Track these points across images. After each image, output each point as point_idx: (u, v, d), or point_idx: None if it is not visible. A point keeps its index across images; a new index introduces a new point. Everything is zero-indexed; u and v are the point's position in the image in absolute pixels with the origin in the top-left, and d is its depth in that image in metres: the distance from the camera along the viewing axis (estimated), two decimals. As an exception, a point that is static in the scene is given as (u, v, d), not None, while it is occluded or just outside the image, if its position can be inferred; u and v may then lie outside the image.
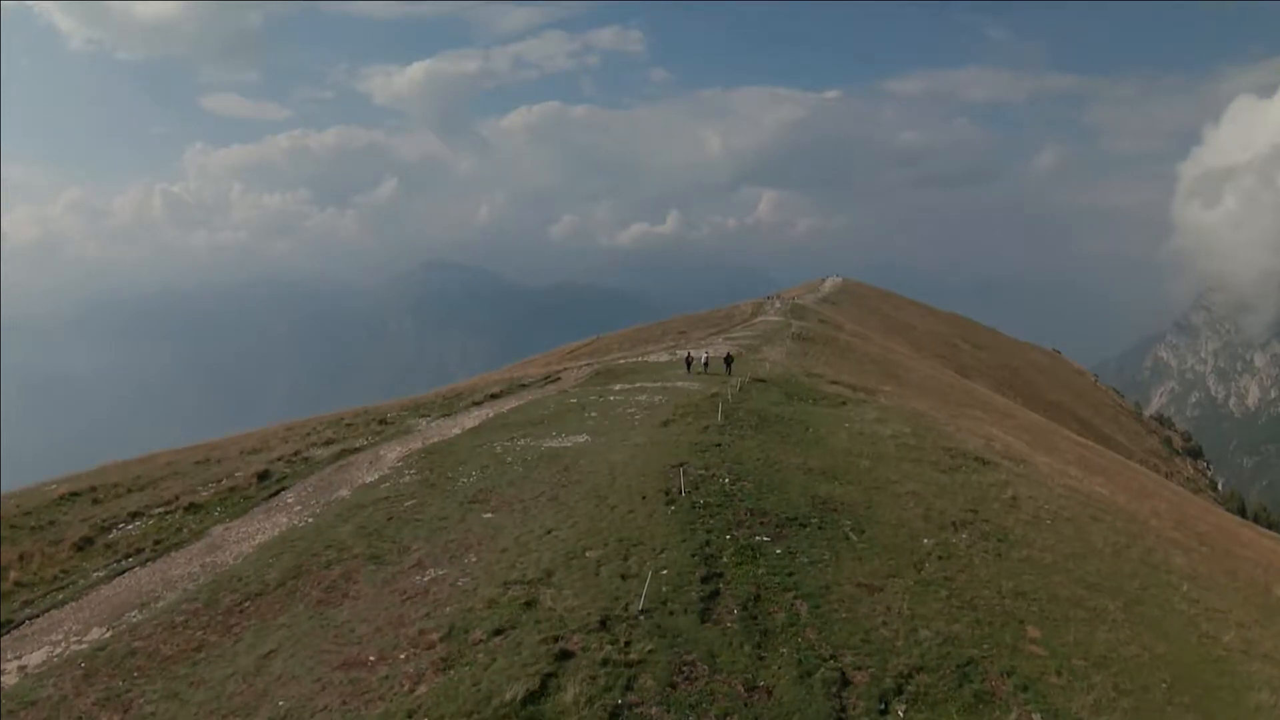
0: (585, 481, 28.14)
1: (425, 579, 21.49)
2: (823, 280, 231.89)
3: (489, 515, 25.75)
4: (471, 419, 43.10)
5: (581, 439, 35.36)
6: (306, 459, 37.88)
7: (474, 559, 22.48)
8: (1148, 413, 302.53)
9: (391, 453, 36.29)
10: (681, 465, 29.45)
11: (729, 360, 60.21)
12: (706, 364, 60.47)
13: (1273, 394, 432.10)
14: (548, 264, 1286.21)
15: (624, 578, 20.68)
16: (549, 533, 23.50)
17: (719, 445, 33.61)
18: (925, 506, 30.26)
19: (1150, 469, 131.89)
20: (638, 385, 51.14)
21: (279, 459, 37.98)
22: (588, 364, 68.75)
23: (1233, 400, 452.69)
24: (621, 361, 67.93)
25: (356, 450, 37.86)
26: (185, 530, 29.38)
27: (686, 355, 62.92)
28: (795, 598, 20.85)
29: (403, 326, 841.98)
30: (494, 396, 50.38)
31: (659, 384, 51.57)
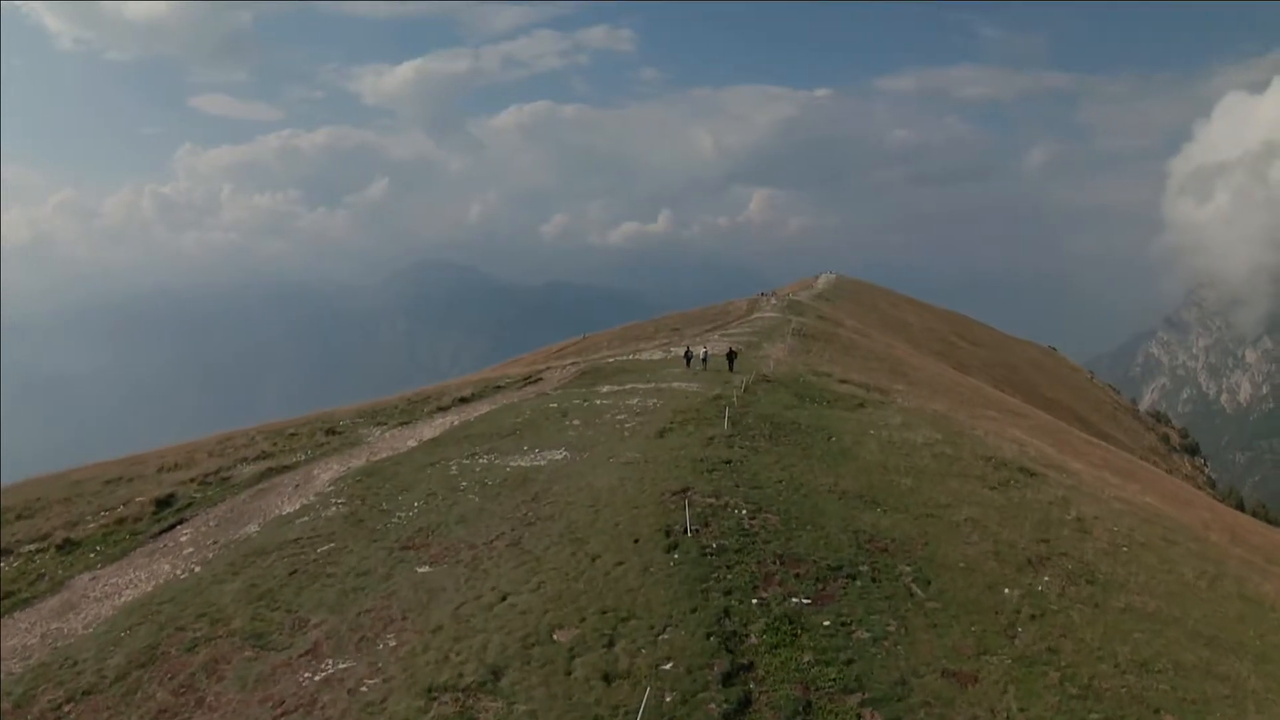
0: (559, 517, 21.21)
1: (317, 678, 14.54)
2: (817, 277, 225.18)
3: (425, 569, 18.72)
4: (432, 428, 36.13)
5: (559, 455, 28.46)
6: (226, 479, 30.87)
7: (393, 643, 15.49)
8: (1140, 409, 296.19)
9: (326, 472, 29.26)
10: (685, 492, 22.57)
11: (731, 356, 54.36)
12: (706, 360, 54.94)
13: (1264, 390, 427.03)
14: (540, 263, 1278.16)
15: (608, 679, 13.86)
16: (503, 600, 16.57)
17: (729, 462, 26.78)
18: (991, 539, 23.79)
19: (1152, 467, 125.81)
20: (628, 386, 44.35)
21: (194, 479, 30.94)
22: (574, 363, 61.93)
23: (1224, 396, 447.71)
24: (610, 360, 61.15)
25: (286, 469, 30.85)
26: (46, 579, 22.43)
27: (685, 350, 57.32)
28: (863, 704, 14.02)
29: (395, 326, 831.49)
30: (463, 400, 43.37)
31: (652, 384, 44.81)
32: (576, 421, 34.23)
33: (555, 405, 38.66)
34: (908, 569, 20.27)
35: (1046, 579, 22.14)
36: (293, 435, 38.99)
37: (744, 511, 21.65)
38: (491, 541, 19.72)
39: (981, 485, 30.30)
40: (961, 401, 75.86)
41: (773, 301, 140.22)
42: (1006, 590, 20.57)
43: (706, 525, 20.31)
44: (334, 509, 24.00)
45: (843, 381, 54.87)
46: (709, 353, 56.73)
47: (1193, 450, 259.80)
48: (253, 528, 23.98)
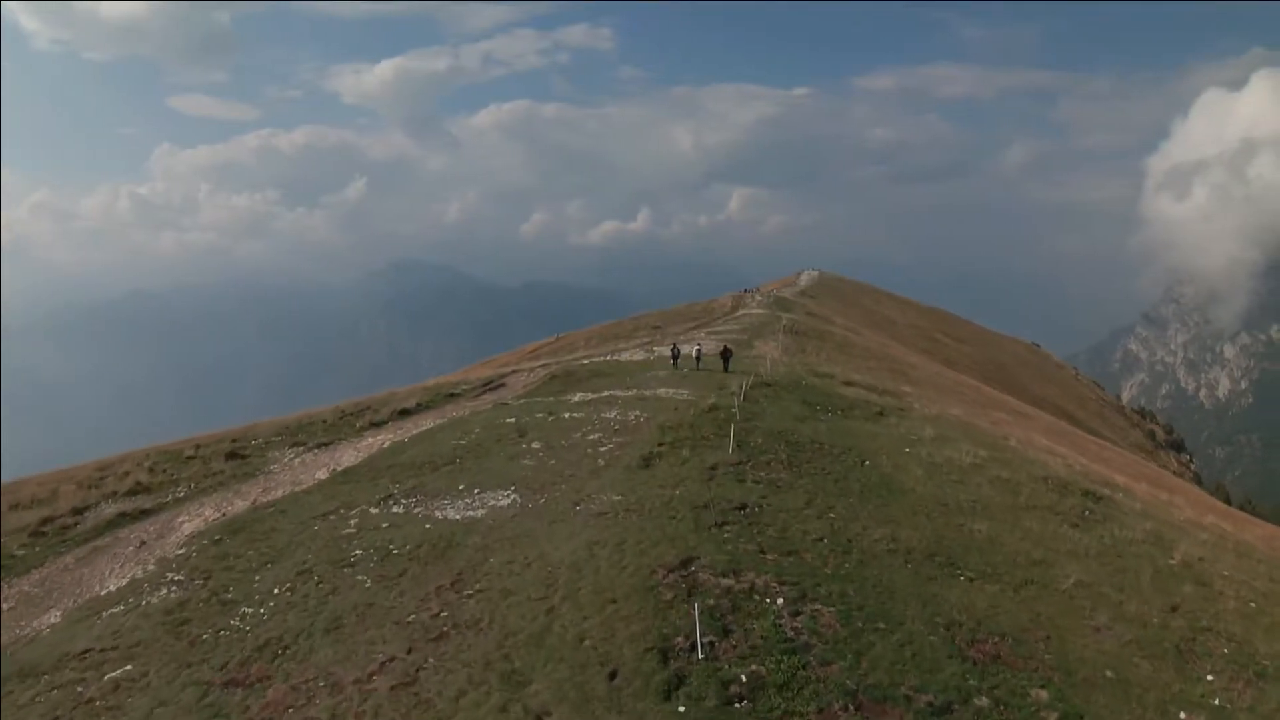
0: (488, 623, 13.37)
1: None
2: (799, 274, 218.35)
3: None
4: (354, 452, 28.21)
5: (504, 500, 20.60)
6: (72, 525, 22.97)
7: None
8: (1125, 405, 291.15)
9: (191, 522, 21.39)
10: (688, 566, 14.95)
11: (726, 355, 47.93)
12: (699, 359, 49.01)
13: (1243, 385, 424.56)
14: (519, 263, 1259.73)
15: None
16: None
17: (744, 508, 19.22)
18: (1119, 615, 17.37)
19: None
20: (605, 394, 36.68)
21: (32, 526, 23.00)
22: (544, 364, 54.28)
23: (1203, 392, 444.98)
24: (585, 362, 53.64)
25: (147, 513, 22.91)
26: None
27: (672, 349, 50.90)
28: None
29: (374, 326, 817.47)
30: (404, 413, 35.44)
31: (634, 391, 37.27)
32: (536, 444, 26.51)
33: (512, 420, 30.86)
34: (1042, 692, 12.72)
35: (1211, 679, 15.44)
36: (189, 459, 31.02)
37: (780, 601, 13.99)
38: (369, 678, 11.76)
39: (1061, 522, 23.12)
40: (972, 404, 68.84)
41: (757, 298, 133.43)
42: (1184, 716, 13.34)
43: (726, 635, 12.66)
44: (163, 592, 16.03)
45: (848, 384, 48.08)
46: (702, 351, 50.27)
47: (1178, 446, 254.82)
48: (53, 616, 16.10)
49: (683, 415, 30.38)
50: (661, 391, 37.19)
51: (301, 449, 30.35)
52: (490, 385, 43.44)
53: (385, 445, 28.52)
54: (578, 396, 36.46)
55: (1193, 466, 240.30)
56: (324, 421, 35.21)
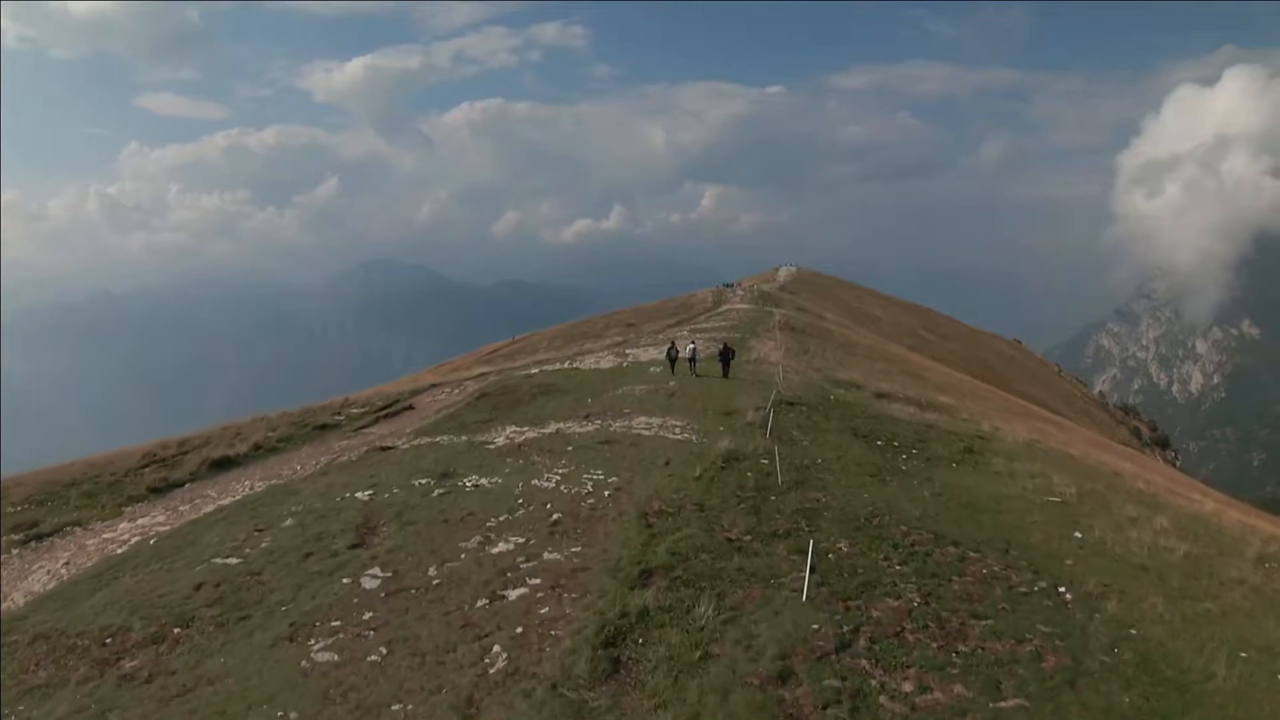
0: None
1: None
2: (777, 269, 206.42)
3: None
4: (45, 575, 14.19)
5: None
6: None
7: None
8: (1109, 403, 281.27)
9: None
10: None
11: (726, 355, 39.05)
12: (696, 361, 39.39)
13: (1215, 380, 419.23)
14: (491, 261, 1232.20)
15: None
16: None
17: None
18: None
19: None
20: (550, 430, 23.58)
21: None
22: (481, 375, 41.40)
23: (1175, 387, 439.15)
24: (535, 371, 41.22)
25: None
26: None
27: (670, 348, 41.58)
28: None
29: (345, 327, 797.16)
30: (220, 465, 21.59)
31: (596, 424, 24.37)
32: (372, 576, 12.32)
33: (365, 495, 16.88)
34: None
35: None
36: None
37: None
38: None
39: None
40: (1016, 415, 56.47)
41: (739, 293, 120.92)
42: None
43: None
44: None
45: (881, 396, 36.39)
46: (698, 350, 40.51)
47: (1164, 443, 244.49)
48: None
49: (682, 479, 17.17)
50: (640, 424, 24.11)
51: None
52: (390, 409, 30.13)
53: (115, 552, 14.69)
54: (506, 434, 23.18)
55: (1178, 464, 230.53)
56: (94, 480, 21.31)
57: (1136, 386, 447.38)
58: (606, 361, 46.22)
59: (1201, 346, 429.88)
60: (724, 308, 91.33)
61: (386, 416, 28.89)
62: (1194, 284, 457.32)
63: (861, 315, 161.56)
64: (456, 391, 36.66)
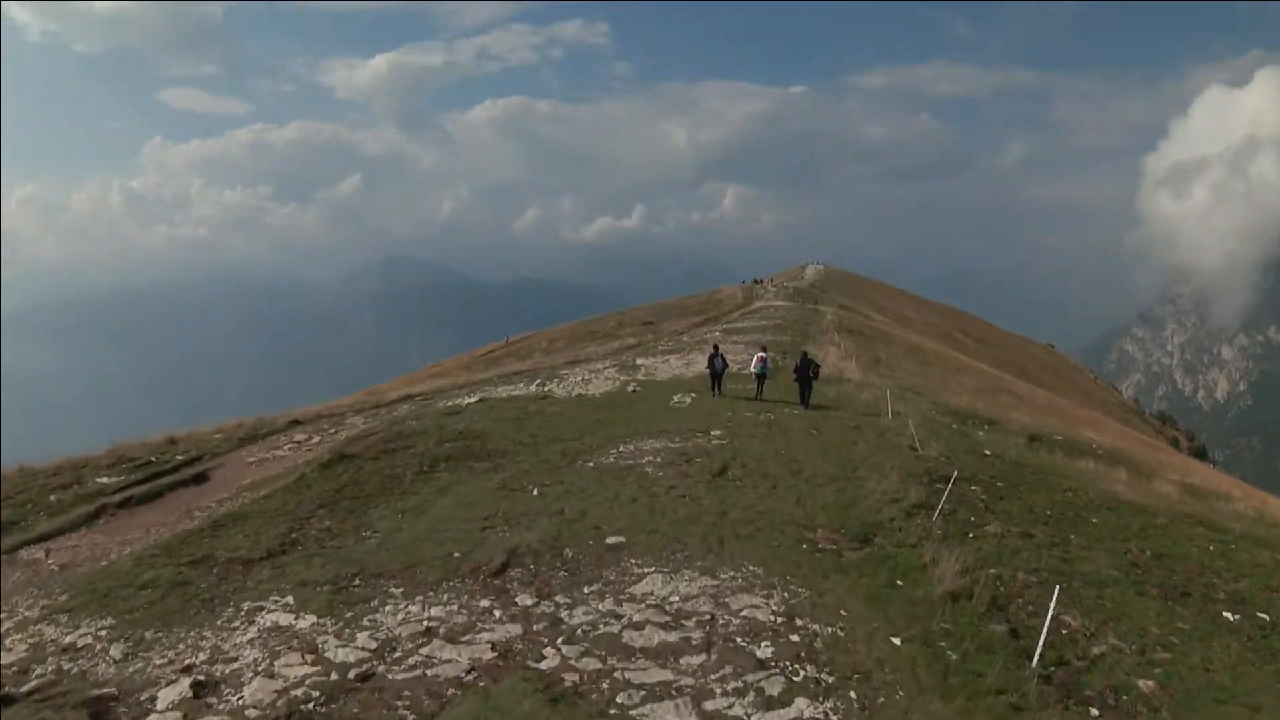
0: None
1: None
2: (804, 267, 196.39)
3: None
4: None
5: None
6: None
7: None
8: (1146, 411, 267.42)
9: None
10: None
11: (806, 372, 26.84)
12: (763, 379, 28.29)
13: (1241, 387, 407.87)
14: (511, 259, 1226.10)
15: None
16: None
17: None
18: None
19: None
20: (389, 627, 15.48)
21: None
22: (376, 409, 31.40)
23: (1201, 394, 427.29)
24: (473, 401, 30.75)
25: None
26: None
27: (711, 355, 29.59)
28: None
29: (363, 322, 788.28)
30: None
31: (524, 602, 13.47)
32: None
33: None
34: None
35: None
36: None
37: None
38: None
39: None
40: (1146, 449, 44.22)
41: (770, 289, 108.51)
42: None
43: None
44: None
45: (1035, 439, 27.42)
46: (768, 363, 28.76)
47: (1201, 454, 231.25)
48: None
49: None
50: (643, 607, 12.62)
51: None
52: (167, 476, 18.58)
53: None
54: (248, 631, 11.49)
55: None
56: None
57: (1160, 393, 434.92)
58: (603, 380, 34.83)
59: (1228, 353, 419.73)
60: (758, 305, 79.11)
61: (135, 502, 16.79)
62: (1220, 288, 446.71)
63: (894, 317, 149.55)
64: (316, 439, 25.22)
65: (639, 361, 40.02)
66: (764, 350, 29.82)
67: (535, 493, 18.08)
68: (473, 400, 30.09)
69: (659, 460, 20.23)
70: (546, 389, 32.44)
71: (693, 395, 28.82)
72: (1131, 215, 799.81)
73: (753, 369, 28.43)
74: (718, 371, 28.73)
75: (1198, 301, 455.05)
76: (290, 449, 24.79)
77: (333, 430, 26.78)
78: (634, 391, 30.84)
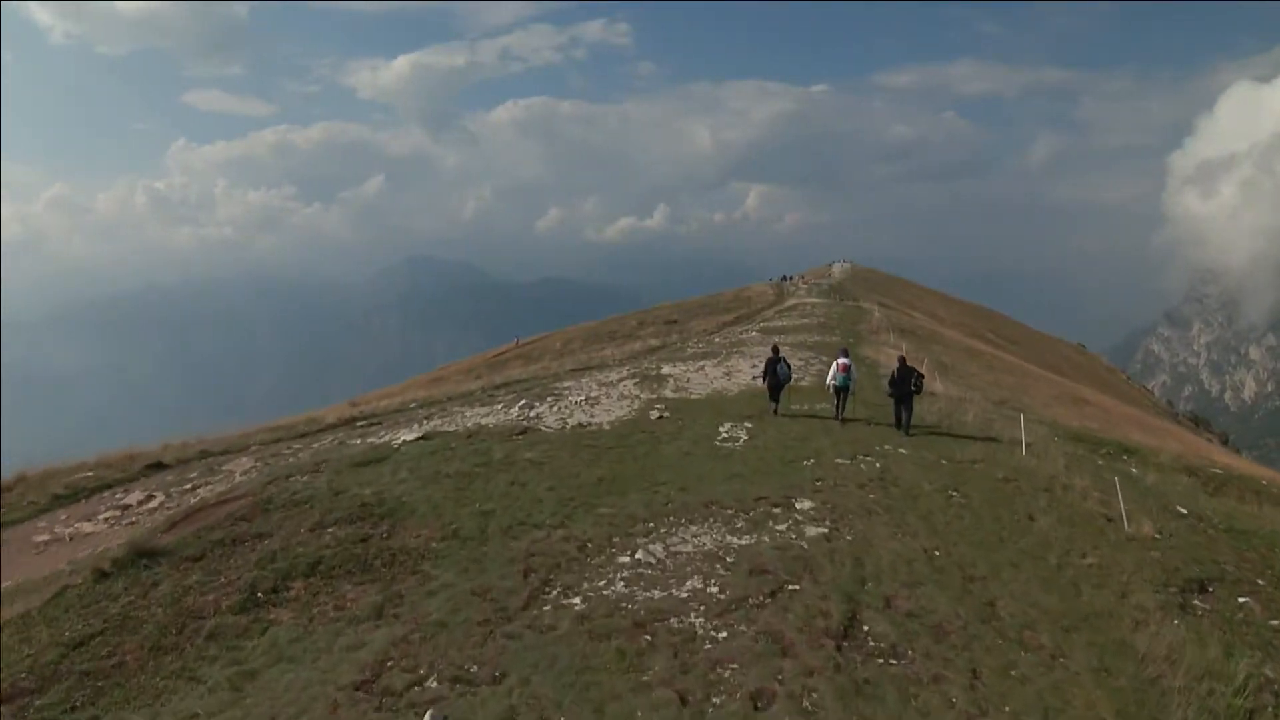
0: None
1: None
2: (831, 265, 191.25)
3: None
4: None
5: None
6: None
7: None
8: (1177, 413, 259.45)
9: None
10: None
11: (907, 381, 21.43)
12: (846, 392, 22.38)
13: (1269, 388, 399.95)
14: (534, 258, 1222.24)
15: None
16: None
17: None
18: None
19: None
20: None
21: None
22: (342, 422, 26.48)
23: (1228, 394, 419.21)
24: (403, 443, 21.31)
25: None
26: None
27: (770, 364, 23.34)
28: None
29: (387, 321, 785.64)
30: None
31: None
32: None
33: None
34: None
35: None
36: None
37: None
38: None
39: None
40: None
41: (803, 286, 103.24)
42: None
43: None
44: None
45: (1129, 452, 23.47)
46: (853, 373, 22.48)
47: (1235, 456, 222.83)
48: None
49: None
50: None
51: None
52: None
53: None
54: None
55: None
56: None
57: (1187, 393, 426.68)
58: (617, 398, 26.71)
59: (1255, 353, 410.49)
60: (792, 302, 73.96)
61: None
62: (1248, 288, 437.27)
63: (930, 315, 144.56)
64: (157, 501, 17.93)
65: (665, 370, 32.22)
66: (846, 355, 23.26)
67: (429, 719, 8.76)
68: (411, 437, 21.38)
69: (715, 591, 11.59)
70: (534, 414, 23.94)
71: (747, 424, 21.89)
72: (1158, 214, 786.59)
73: (831, 381, 22.48)
74: (780, 382, 23.13)
75: (1225, 301, 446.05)
76: (109, 520, 17.03)
77: (193, 486, 19.03)
78: (660, 419, 23.03)
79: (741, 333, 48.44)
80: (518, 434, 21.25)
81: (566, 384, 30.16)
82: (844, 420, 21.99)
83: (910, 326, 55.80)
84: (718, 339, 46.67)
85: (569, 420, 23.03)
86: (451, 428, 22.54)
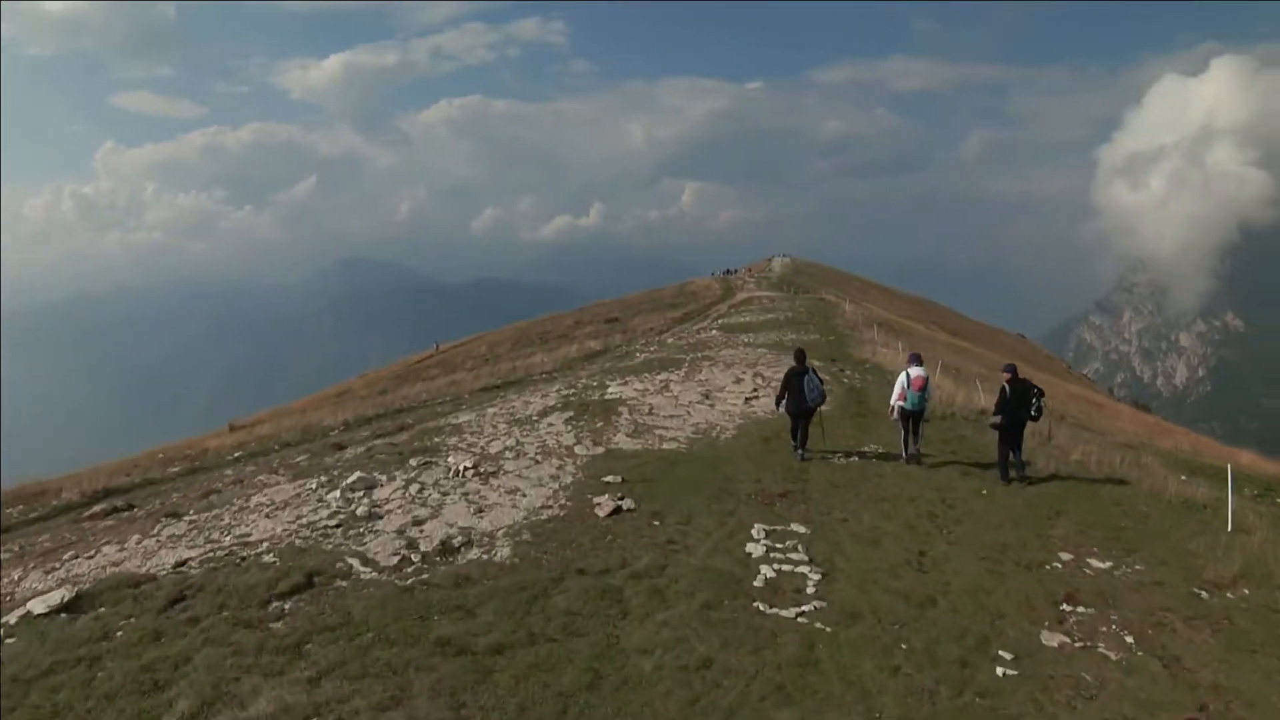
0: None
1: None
2: (770, 260, 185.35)
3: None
4: None
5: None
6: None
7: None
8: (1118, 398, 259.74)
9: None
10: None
11: (1028, 403, 12.86)
12: (919, 419, 14.21)
13: (1200, 373, 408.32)
14: (470, 258, 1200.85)
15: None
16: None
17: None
18: None
19: None
20: None
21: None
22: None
23: (1160, 380, 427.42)
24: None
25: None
26: None
27: (794, 378, 14.48)
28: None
29: (322, 325, 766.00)
30: None
31: None
32: None
33: None
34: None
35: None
36: None
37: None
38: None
39: None
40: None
41: (750, 279, 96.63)
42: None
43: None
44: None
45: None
46: (928, 387, 14.34)
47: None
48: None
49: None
50: None
51: None
52: None
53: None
54: None
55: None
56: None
57: (1119, 380, 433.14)
58: (533, 457, 15.72)
59: (1185, 339, 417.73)
60: (743, 296, 66.39)
61: None
62: (1177, 276, 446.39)
63: (879, 309, 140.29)
64: None
65: (612, 390, 22.59)
66: (919, 364, 15.42)
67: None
68: (42, 609, 9.09)
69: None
70: (358, 516, 12.26)
71: (797, 526, 11.64)
72: (1089, 206, 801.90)
73: (899, 403, 14.90)
74: (809, 407, 14.99)
75: (1154, 289, 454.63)
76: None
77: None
78: (614, 516, 12.01)
79: (699, 332, 41.18)
80: (277, 598, 9.31)
81: (464, 418, 20.34)
82: (920, 461, 14.81)
83: (885, 320, 49.03)
84: (670, 340, 39.23)
85: (420, 537, 11.29)
86: (153, 571, 10.44)
